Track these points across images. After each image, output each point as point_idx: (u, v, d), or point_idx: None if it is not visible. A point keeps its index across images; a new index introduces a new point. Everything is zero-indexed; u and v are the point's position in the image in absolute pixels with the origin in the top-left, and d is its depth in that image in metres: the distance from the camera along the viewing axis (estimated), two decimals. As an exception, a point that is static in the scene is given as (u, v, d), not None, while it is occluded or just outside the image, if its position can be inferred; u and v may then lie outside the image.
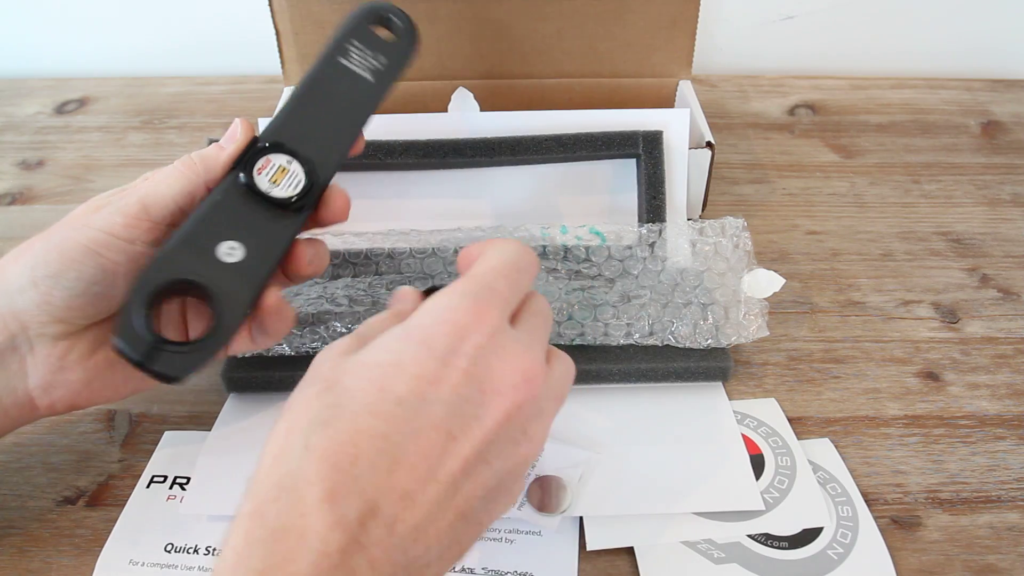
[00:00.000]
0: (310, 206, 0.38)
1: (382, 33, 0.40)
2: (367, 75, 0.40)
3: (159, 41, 0.80)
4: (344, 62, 0.39)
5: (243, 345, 0.38)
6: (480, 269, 0.32)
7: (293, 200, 0.37)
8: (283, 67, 0.62)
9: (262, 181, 0.36)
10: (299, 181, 0.37)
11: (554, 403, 0.31)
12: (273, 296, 0.37)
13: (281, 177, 0.37)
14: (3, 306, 0.35)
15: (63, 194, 0.62)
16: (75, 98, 0.75)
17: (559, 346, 0.36)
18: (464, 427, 0.28)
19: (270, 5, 0.58)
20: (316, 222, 0.39)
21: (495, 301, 0.30)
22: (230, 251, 0.35)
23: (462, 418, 0.28)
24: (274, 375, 0.45)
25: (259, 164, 0.36)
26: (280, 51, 0.61)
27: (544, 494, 0.39)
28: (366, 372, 0.28)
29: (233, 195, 0.36)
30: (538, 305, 0.33)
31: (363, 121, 0.40)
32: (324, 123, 0.39)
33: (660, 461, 0.41)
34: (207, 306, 0.35)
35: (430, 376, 0.28)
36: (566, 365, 0.33)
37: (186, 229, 0.35)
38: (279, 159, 0.37)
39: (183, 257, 0.35)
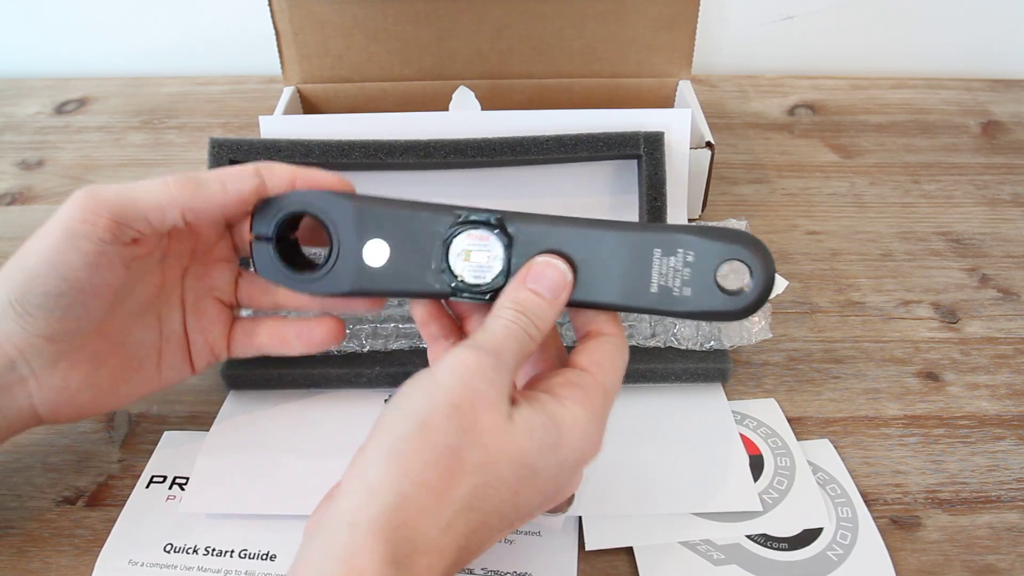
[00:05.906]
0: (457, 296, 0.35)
1: (729, 268, 0.32)
2: (654, 288, 0.32)
3: (159, 41, 0.80)
4: (655, 256, 0.32)
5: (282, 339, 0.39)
6: (608, 398, 0.33)
7: (472, 285, 0.34)
8: (283, 67, 0.62)
9: (458, 249, 0.34)
10: (494, 273, 0.34)
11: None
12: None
13: (475, 258, 0.34)
14: None
15: (63, 194, 0.62)
16: (75, 98, 0.75)
17: None
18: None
19: (270, 5, 0.58)
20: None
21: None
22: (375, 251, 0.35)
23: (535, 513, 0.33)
24: (274, 372, 0.44)
25: (469, 231, 0.34)
26: (280, 51, 0.61)
27: None
28: (516, 468, 0.30)
29: (435, 226, 0.34)
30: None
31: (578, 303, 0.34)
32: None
33: (659, 462, 0.41)
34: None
35: (546, 496, 0.32)
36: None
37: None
38: (490, 245, 0.34)
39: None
